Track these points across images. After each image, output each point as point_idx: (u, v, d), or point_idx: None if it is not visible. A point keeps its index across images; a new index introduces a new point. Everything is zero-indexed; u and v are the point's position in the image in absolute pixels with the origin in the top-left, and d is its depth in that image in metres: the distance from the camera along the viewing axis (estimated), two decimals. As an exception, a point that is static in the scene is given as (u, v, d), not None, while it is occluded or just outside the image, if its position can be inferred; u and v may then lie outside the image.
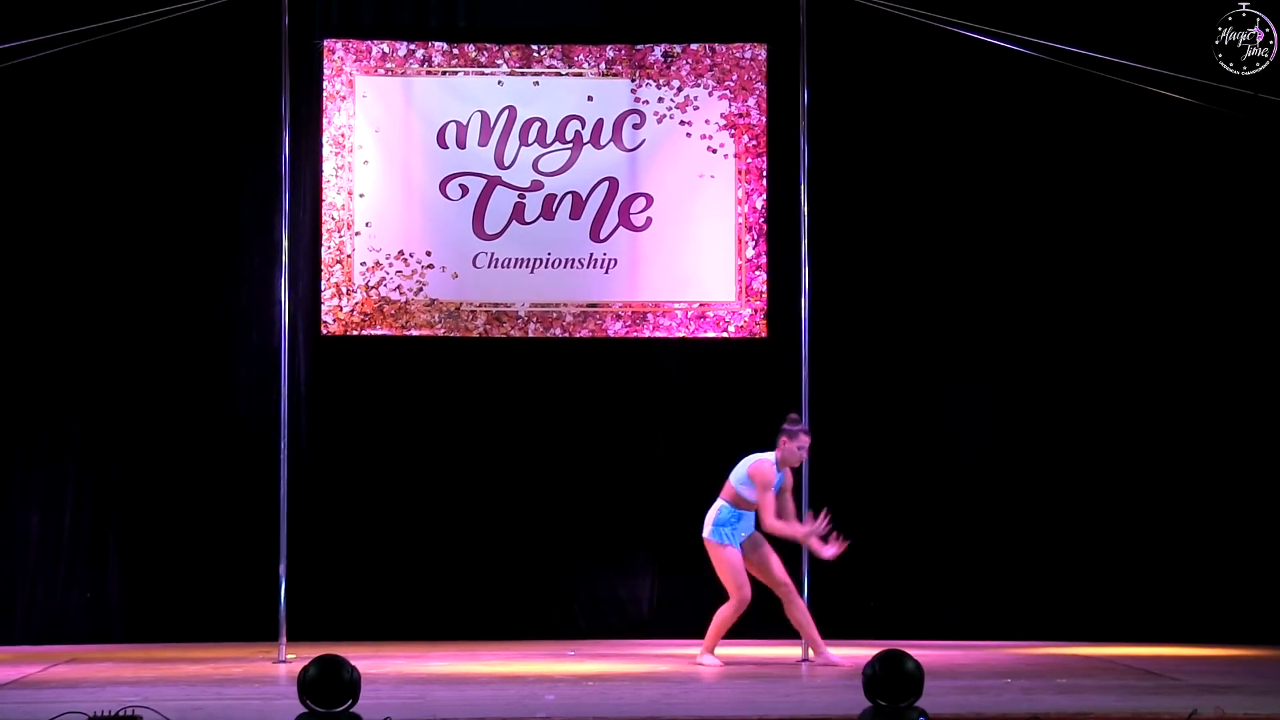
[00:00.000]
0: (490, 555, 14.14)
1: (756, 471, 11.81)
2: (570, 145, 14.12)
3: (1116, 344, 14.25)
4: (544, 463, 14.26)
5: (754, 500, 11.83)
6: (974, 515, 14.13)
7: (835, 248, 13.83)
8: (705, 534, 12.01)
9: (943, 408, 14.36)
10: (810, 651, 12.13)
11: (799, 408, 12.72)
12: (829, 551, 11.76)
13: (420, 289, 14.02)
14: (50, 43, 12.47)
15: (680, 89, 14.17)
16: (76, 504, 13.82)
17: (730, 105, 14.19)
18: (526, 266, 14.08)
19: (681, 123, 14.18)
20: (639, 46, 14.20)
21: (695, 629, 14.04)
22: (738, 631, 13.97)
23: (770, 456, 11.83)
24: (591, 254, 14.13)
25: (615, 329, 14.17)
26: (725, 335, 14.21)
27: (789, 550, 12.84)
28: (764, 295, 14.15)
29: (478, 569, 14.12)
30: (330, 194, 13.98)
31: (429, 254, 14.04)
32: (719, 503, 11.97)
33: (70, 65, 13.14)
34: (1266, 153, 14.02)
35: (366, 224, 14.00)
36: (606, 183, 14.14)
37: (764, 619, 13.84)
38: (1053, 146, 14.28)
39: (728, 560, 11.93)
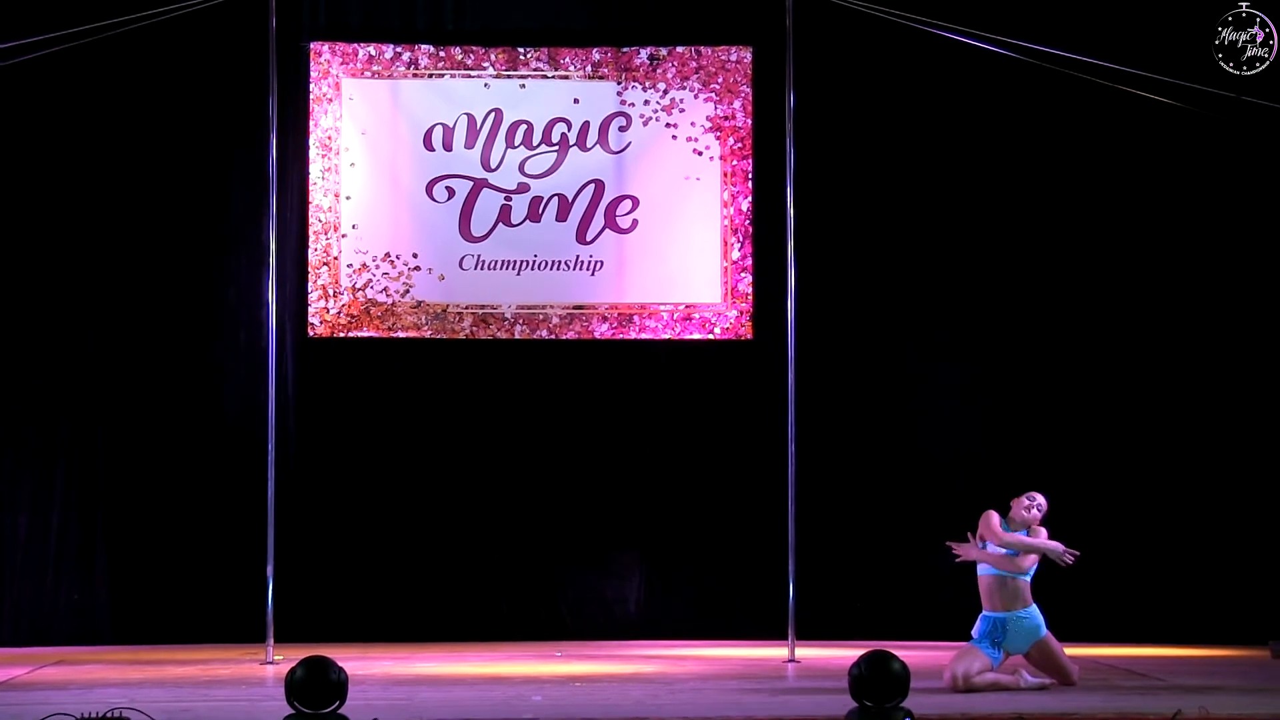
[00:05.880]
0: (477, 556, 14.13)
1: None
2: (556, 148, 14.15)
3: (1101, 345, 14.27)
4: (531, 464, 14.25)
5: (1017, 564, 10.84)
6: (959, 516, 14.13)
7: (821, 250, 13.88)
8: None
9: (928, 408, 14.37)
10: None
11: (784, 408, 12.82)
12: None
13: (407, 291, 14.04)
14: (39, 45, 12.50)
15: (666, 91, 14.19)
16: (64, 505, 13.81)
17: (716, 108, 14.22)
18: (513, 268, 14.09)
19: (667, 125, 14.20)
20: (625, 49, 14.21)
21: (682, 629, 14.09)
22: (724, 632, 14.04)
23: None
24: (578, 256, 14.14)
25: (601, 330, 14.18)
26: (711, 337, 14.23)
27: (771, 539, 13.02)
28: (749, 297, 14.18)
29: (465, 570, 14.12)
30: (317, 196, 14.00)
31: (415, 256, 14.05)
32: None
33: (59, 68, 13.16)
34: (1249, 153, 14.03)
35: (353, 226, 14.02)
36: (593, 185, 14.15)
37: (749, 619, 13.94)
38: (1038, 148, 14.29)
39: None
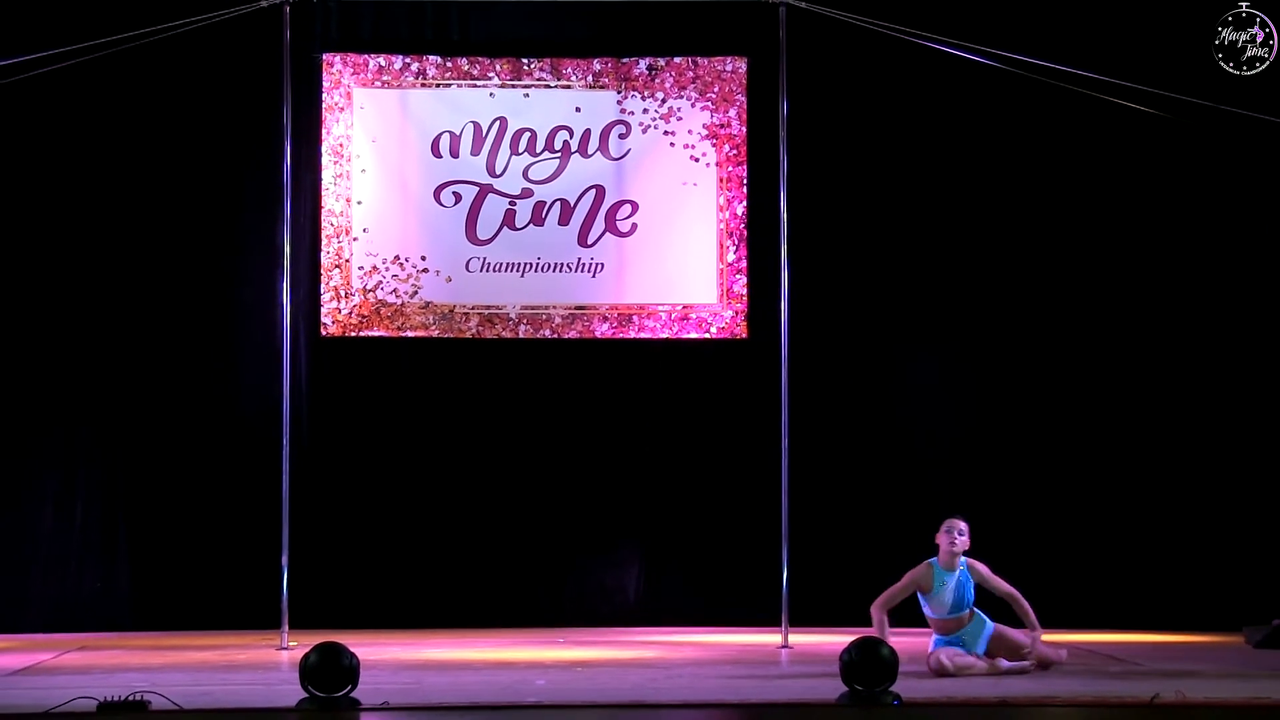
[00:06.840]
0: (483, 546, 14.29)
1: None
2: (559, 154, 14.29)
3: (1085, 342, 14.43)
4: (534, 458, 14.40)
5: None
6: (946, 509, 14.24)
7: (813, 252, 14.03)
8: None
9: (918, 404, 14.53)
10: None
11: (778, 405, 12.98)
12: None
13: (415, 292, 14.20)
14: (62, 57, 12.68)
15: (664, 100, 14.35)
16: (87, 498, 13.98)
17: (712, 116, 14.36)
18: (517, 270, 14.25)
19: (665, 133, 14.36)
20: (624, 59, 14.35)
21: (679, 617, 14.20)
22: (720, 619, 14.17)
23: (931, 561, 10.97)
24: (579, 258, 14.30)
25: (602, 330, 14.34)
26: (707, 336, 14.39)
27: (765, 530, 13.23)
28: (744, 298, 14.31)
29: (471, 560, 14.27)
30: (329, 201, 14.15)
31: (424, 259, 14.22)
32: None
33: (82, 79, 13.34)
34: (1230, 161, 14.22)
35: (364, 230, 14.18)
36: (594, 190, 14.30)
37: (744, 606, 14.10)
38: (1025, 155, 14.44)
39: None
